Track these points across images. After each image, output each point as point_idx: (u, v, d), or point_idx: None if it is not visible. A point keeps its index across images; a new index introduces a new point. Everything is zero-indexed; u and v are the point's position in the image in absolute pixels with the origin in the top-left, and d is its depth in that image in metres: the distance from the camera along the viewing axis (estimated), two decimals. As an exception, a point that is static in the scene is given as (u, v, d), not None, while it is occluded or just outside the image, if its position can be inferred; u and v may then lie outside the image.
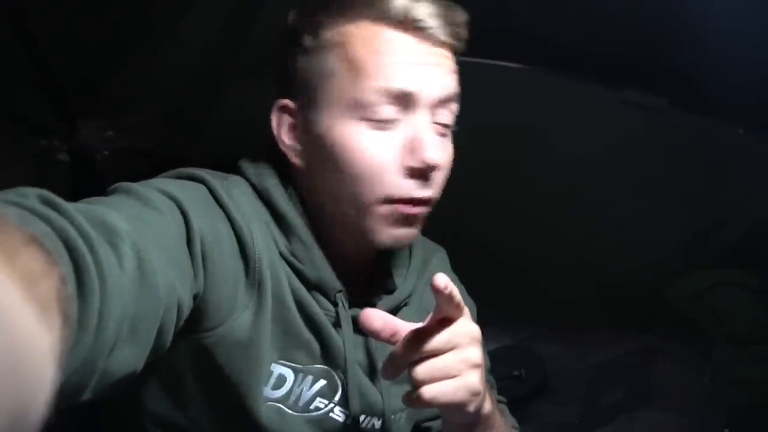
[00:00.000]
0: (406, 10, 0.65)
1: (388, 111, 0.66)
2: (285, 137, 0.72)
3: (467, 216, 1.69)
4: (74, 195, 0.51)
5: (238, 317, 0.66)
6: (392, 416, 0.78)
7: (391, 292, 0.79)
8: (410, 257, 0.83)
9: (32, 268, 0.30)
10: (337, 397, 0.75)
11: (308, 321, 0.71)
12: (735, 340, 1.71)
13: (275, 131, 0.72)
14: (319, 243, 0.72)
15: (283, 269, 0.70)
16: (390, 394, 0.77)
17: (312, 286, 0.71)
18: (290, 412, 0.72)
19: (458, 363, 0.58)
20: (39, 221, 0.38)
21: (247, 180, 0.73)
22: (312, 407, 0.73)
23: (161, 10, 1.10)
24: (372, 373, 0.77)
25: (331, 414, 0.75)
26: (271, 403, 0.70)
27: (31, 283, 0.28)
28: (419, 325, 0.60)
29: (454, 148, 0.80)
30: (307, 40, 0.69)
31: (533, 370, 1.53)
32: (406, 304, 0.80)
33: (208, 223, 0.62)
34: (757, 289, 1.80)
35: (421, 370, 0.58)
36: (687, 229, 1.83)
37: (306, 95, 0.70)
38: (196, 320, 0.62)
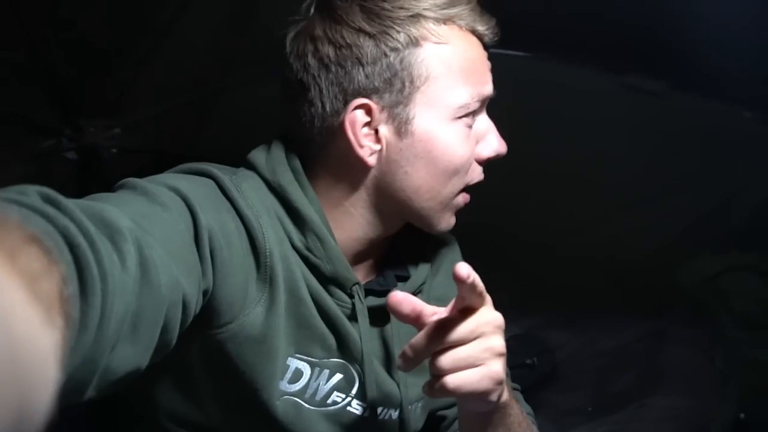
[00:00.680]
0: (473, 19, 0.71)
1: (474, 112, 0.72)
2: (360, 137, 0.69)
3: (473, 204, 1.69)
4: (81, 194, 0.51)
5: (250, 312, 0.65)
6: (409, 407, 0.78)
7: (404, 279, 0.79)
8: (423, 245, 0.83)
9: (33, 267, 0.30)
10: (354, 391, 0.75)
11: (323, 314, 0.71)
12: (746, 324, 1.71)
13: (348, 131, 0.68)
14: (333, 236, 0.72)
15: (297, 263, 0.69)
16: (407, 385, 0.77)
17: (327, 279, 0.71)
18: (307, 406, 0.72)
19: (483, 352, 0.58)
20: (40, 219, 0.37)
21: (259, 174, 0.72)
22: (329, 401, 0.73)
23: (161, 8, 1.10)
24: (388, 364, 0.77)
25: (348, 408, 0.75)
26: (287, 397, 0.70)
27: (32, 282, 0.28)
28: (442, 310, 0.60)
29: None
30: (400, 38, 0.67)
31: (543, 358, 1.53)
32: (419, 292, 0.80)
33: (217, 219, 0.61)
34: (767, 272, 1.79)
35: (446, 359, 0.57)
36: (694, 213, 1.82)
37: (395, 94, 0.68)
38: (207, 317, 0.62)
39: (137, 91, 1.22)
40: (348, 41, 0.67)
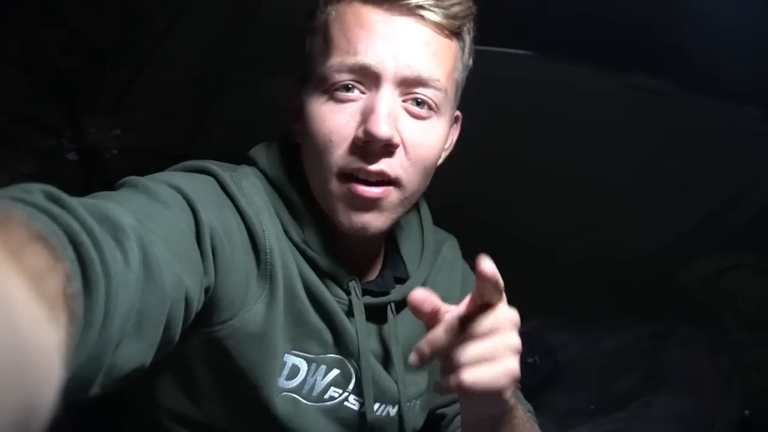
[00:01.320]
0: None
1: (346, 85, 0.65)
2: (293, 120, 0.73)
3: (475, 204, 1.69)
4: (83, 195, 0.51)
5: (250, 309, 0.66)
6: (407, 404, 0.78)
7: (403, 280, 0.79)
8: (422, 246, 0.83)
9: (38, 265, 0.30)
10: (351, 386, 0.75)
11: (320, 310, 0.71)
12: (749, 323, 1.70)
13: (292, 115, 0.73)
14: (331, 231, 0.72)
15: (294, 258, 0.69)
16: (405, 382, 0.77)
17: (324, 274, 0.71)
18: (305, 402, 0.72)
19: (500, 348, 0.57)
20: (44, 217, 0.37)
21: (260, 169, 0.72)
22: (326, 397, 0.73)
23: (162, 7, 1.10)
24: (386, 361, 0.77)
25: (345, 403, 0.75)
26: (285, 393, 0.70)
27: (37, 280, 0.28)
28: (458, 308, 0.59)
29: (461, 136, 0.78)
30: (307, 23, 0.71)
31: (545, 358, 1.52)
32: None
33: (218, 216, 0.61)
34: (770, 271, 1.78)
35: (465, 353, 0.56)
36: (697, 213, 1.82)
37: (303, 76, 0.71)
38: (208, 313, 0.62)
39: (138, 90, 1.22)
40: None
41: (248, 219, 0.65)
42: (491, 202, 1.68)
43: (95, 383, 0.42)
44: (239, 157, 0.75)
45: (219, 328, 0.64)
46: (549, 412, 1.29)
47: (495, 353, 0.56)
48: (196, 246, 0.57)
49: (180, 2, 1.10)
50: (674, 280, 1.83)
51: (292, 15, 0.74)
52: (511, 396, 0.60)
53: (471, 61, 0.74)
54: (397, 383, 0.76)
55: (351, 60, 0.65)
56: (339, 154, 0.66)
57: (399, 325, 0.77)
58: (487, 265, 0.53)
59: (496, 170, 1.64)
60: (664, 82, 1.64)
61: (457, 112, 0.76)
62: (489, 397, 0.59)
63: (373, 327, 0.76)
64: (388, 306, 0.75)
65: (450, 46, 0.68)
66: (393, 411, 0.78)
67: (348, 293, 0.72)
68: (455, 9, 0.66)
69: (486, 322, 0.56)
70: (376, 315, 0.75)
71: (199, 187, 0.63)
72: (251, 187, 0.68)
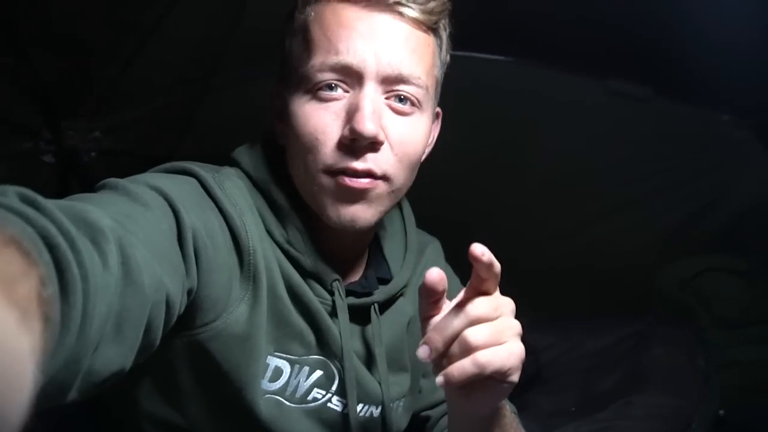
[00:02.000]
0: None
1: (329, 84, 0.65)
2: (276, 122, 0.72)
3: (457, 210, 1.70)
4: (60, 198, 0.50)
5: (233, 311, 0.65)
6: (391, 405, 0.78)
7: (386, 281, 0.79)
8: (406, 247, 0.83)
9: (9, 270, 0.29)
10: (334, 387, 0.74)
11: (303, 310, 0.70)
12: (725, 324, 1.74)
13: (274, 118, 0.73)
14: (315, 231, 0.72)
15: (277, 259, 0.69)
16: (388, 383, 0.77)
17: (308, 274, 0.71)
18: (288, 403, 0.72)
19: (507, 329, 0.57)
20: (18, 220, 0.37)
21: (243, 170, 0.72)
22: (309, 398, 0.73)
23: (147, 7, 1.09)
24: (369, 361, 0.77)
25: (329, 404, 0.74)
26: (269, 396, 0.70)
27: (9, 285, 0.28)
28: (457, 297, 0.59)
29: (441, 135, 0.78)
30: (286, 25, 0.71)
31: (528, 360, 1.52)
32: (401, 294, 0.80)
33: (201, 217, 0.61)
34: (745, 273, 1.83)
35: (476, 334, 0.55)
36: (675, 216, 1.85)
37: (283, 77, 0.71)
38: (191, 316, 0.62)
39: (120, 92, 1.21)
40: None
41: (231, 220, 0.65)
42: (474, 208, 1.69)
43: (73, 388, 0.41)
44: (223, 160, 0.75)
45: (202, 331, 0.64)
46: (532, 413, 1.30)
47: (504, 333, 0.56)
48: (177, 248, 0.57)
49: (165, 4, 1.09)
50: (653, 283, 1.86)
51: (278, 19, 0.74)
52: (514, 384, 0.60)
53: (448, 58, 0.74)
54: (380, 384, 0.76)
55: (333, 59, 0.65)
56: (326, 152, 0.66)
57: (382, 326, 0.77)
58: (477, 248, 0.53)
59: (478, 177, 1.65)
60: (641, 88, 1.68)
61: (438, 109, 0.76)
62: (493, 387, 0.58)
63: (356, 328, 0.75)
64: (372, 307, 0.75)
65: (428, 42, 0.69)
66: (376, 412, 0.78)
67: (332, 294, 0.72)
68: (432, 5, 0.67)
69: (491, 303, 0.57)
70: (360, 316, 0.75)
71: (181, 188, 0.62)
72: (234, 188, 0.68)
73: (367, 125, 0.63)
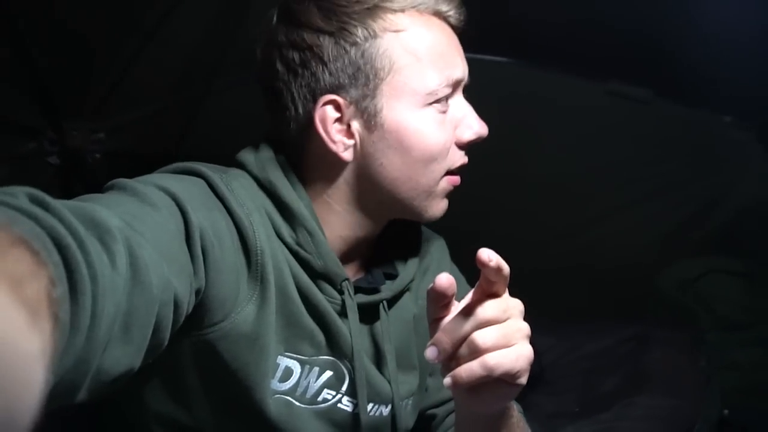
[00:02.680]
0: (434, 2, 0.70)
1: (447, 96, 0.71)
2: (332, 133, 0.70)
3: (457, 208, 1.70)
4: (66, 199, 0.49)
5: (241, 311, 0.65)
6: (400, 403, 0.78)
7: (392, 277, 0.79)
8: (411, 243, 0.83)
9: (19, 270, 0.30)
10: (344, 388, 0.75)
11: (313, 311, 0.71)
12: (726, 326, 1.75)
13: (320, 128, 0.69)
14: (323, 232, 0.72)
15: (287, 260, 0.69)
16: (398, 381, 0.77)
17: (317, 275, 0.71)
18: (298, 404, 0.72)
19: (515, 332, 0.57)
20: (28, 221, 0.37)
21: (249, 172, 0.72)
22: (320, 399, 0.73)
23: (148, 10, 1.09)
24: (378, 360, 0.77)
25: (339, 405, 0.75)
26: (278, 396, 0.70)
27: (18, 285, 0.28)
28: (465, 299, 0.59)
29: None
30: (358, 33, 0.68)
31: (530, 361, 1.53)
32: (407, 290, 0.80)
33: (208, 218, 0.61)
34: (746, 275, 1.83)
35: (485, 336, 0.56)
36: (675, 218, 1.86)
37: (361, 88, 0.69)
38: (199, 316, 0.62)
39: (122, 93, 1.21)
40: (309, 43, 0.68)
41: (239, 220, 0.65)
42: (472, 208, 1.70)
43: (83, 388, 0.41)
44: (225, 162, 0.75)
45: (210, 331, 0.64)
46: (533, 413, 1.30)
47: (513, 336, 0.57)
48: (185, 248, 0.57)
49: (168, 4, 1.09)
50: (653, 284, 1.86)
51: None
52: (522, 386, 0.60)
53: None
54: (389, 382, 0.77)
55: (454, 74, 0.71)
56: (451, 157, 0.73)
57: (391, 323, 0.77)
58: (485, 253, 0.54)
59: (478, 177, 1.65)
60: (641, 89, 1.68)
61: None
62: (501, 389, 0.59)
63: (364, 326, 0.76)
64: (381, 304, 0.76)
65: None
66: (386, 411, 0.78)
67: (341, 293, 0.73)
68: (464, 14, 0.74)
69: (498, 308, 0.57)
70: (368, 313, 0.76)
71: (188, 188, 0.62)
72: (241, 188, 0.68)
73: (485, 126, 0.74)
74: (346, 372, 0.74)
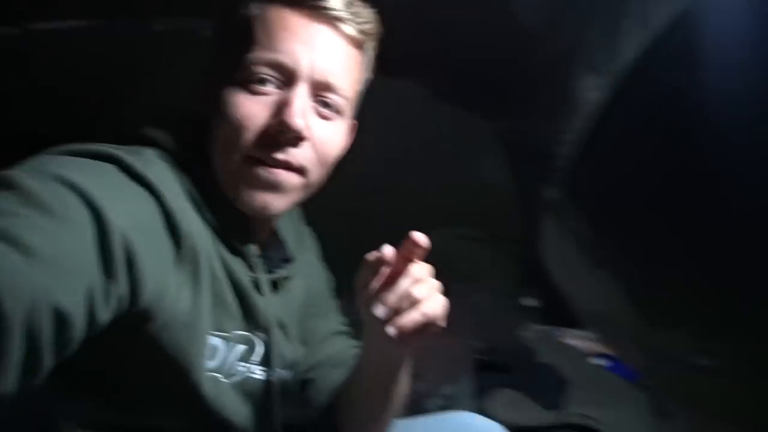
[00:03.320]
0: None
1: (263, 78, 0.70)
2: (204, 104, 0.74)
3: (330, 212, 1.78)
4: None
5: (178, 298, 0.65)
6: (299, 369, 0.87)
7: (285, 259, 0.85)
8: (295, 229, 0.92)
9: None
10: (256, 358, 0.78)
11: (234, 287, 0.74)
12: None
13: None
14: (237, 211, 0.74)
15: (211, 239, 0.70)
16: (297, 348, 0.86)
17: (235, 252, 0.74)
18: (223, 380, 0.74)
19: (435, 287, 0.68)
20: None
21: (164, 150, 0.70)
22: (235, 371, 0.76)
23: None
24: (283, 330, 0.83)
25: (250, 374, 0.78)
26: (209, 373, 0.71)
27: None
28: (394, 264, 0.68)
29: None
30: (224, 19, 0.75)
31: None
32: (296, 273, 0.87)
33: (129, 211, 0.58)
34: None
35: (420, 290, 0.66)
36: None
37: (215, 65, 0.74)
38: (138, 314, 0.60)
39: None
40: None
41: (165, 205, 0.63)
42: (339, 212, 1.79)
43: None
44: (138, 137, 0.71)
45: (151, 325, 0.63)
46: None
47: (434, 290, 0.68)
48: (95, 254, 0.54)
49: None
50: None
51: None
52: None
53: (370, 75, 0.82)
54: (292, 351, 0.84)
55: (271, 56, 0.69)
56: (249, 139, 0.70)
57: (289, 296, 0.85)
58: (416, 236, 0.65)
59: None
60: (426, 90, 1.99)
61: (354, 121, 0.82)
62: (426, 332, 0.67)
63: (274, 300, 0.81)
64: (284, 280, 0.83)
65: (357, 58, 0.75)
66: (290, 377, 0.85)
67: (254, 269, 0.77)
68: (367, 26, 0.75)
69: (424, 270, 0.68)
70: (272, 289, 0.81)
71: (100, 178, 0.58)
72: (161, 171, 0.66)
73: (297, 119, 0.69)
74: (257, 343, 0.78)
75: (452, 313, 0.70)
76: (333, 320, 0.98)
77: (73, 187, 0.53)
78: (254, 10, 0.72)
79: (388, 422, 0.86)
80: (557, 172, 2.12)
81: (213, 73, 0.73)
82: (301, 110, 0.70)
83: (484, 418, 0.96)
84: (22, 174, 0.53)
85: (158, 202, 0.63)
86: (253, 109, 0.70)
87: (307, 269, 0.93)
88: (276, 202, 0.72)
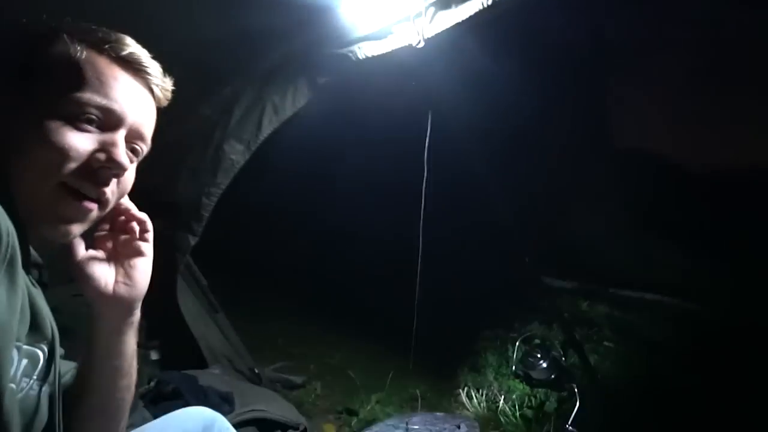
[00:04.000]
0: (133, 58, 0.82)
1: (91, 119, 0.77)
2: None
3: None
4: None
5: None
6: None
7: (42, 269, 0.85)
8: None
9: None
10: (37, 373, 0.77)
11: (30, 297, 0.73)
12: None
13: None
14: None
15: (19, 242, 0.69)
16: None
17: (29, 263, 0.75)
18: (16, 393, 0.73)
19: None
20: None
21: None
22: (19, 388, 0.74)
23: None
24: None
25: (30, 391, 0.77)
26: (10, 384, 0.69)
27: None
28: None
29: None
30: (55, 44, 0.78)
31: None
32: None
33: None
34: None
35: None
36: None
37: (21, 85, 0.76)
38: None
39: None
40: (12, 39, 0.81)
41: None
42: None
43: None
44: None
45: None
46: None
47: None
48: None
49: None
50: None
51: None
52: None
53: None
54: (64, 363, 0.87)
55: (103, 101, 0.77)
56: (70, 168, 0.75)
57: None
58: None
59: None
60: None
61: None
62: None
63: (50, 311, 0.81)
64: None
65: (155, 114, 0.88)
66: (53, 387, 0.83)
67: (40, 280, 0.79)
68: (170, 94, 0.89)
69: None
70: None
71: None
72: None
73: (125, 158, 0.80)
74: (41, 355, 0.78)
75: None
76: None
77: None
78: (80, 52, 0.78)
79: (126, 395, 0.93)
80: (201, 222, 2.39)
81: (23, 101, 0.75)
82: (125, 151, 0.81)
83: (202, 408, 1.16)
84: None
85: None
86: (78, 142, 0.75)
87: None
88: (76, 232, 0.80)
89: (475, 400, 2.60)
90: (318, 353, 3.50)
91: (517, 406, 2.48)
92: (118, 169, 0.79)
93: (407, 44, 1.86)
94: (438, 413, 2.34)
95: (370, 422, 2.42)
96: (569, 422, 2.12)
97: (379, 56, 1.98)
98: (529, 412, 2.43)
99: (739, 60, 2.67)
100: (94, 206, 0.79)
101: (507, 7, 1.64)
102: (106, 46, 0.80)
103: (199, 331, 2.66)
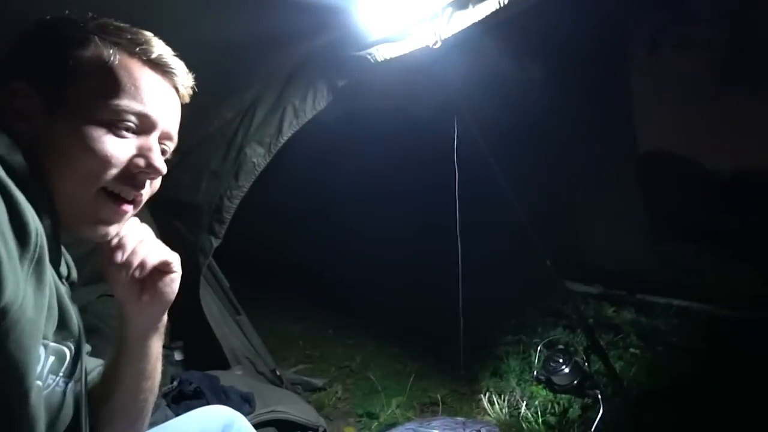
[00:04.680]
0: (162, 60, 0.84)
1: (129, 126, 0.80)
2: (15, 116, 0.76)
3: None
4: None
5: (25, 295, 0.65)
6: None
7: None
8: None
9: None
10: (63, 371, 0.79)
11: (57, 295, 0.74)
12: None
13: (4, 106, 0.75)
14: (58, 225, 0.76)
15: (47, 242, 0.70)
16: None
17: (55, 261, 0.75)
18: (43, 391, 0.74)
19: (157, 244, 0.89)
20: None
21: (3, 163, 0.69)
22: (48, 382, 0.76)
23: None
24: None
25: (56, 388, 0.78)
26: (37, 381, 0.71)
27: None
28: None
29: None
30: (88, 47, 0.79)
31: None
32: None
33: None
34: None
35: (145, 246, 0.87)
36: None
37: (56, 88, 0.77)
38: None
39: None
40: (40, 31, 0.83)
41: (14, 203, 0.64)
42: None
43: None
44: None
45: (2, 323, 0.62)
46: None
47: (154, 246, 0.90)
48: None
49: None
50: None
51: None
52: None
53: None
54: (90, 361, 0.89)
55: (140, 108, 0.80)
56: (112, 174, 0.78)
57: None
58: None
59: None
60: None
61: None
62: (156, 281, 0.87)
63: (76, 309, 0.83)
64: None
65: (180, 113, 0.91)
66: (79, 385, 0.85)
67: (68, 279, 0.82)
68: (191, 90, 0.91)
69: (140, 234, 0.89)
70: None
71: None
72: (3, 175, 0.66)
73: (162, 163, 0.84)
74: (67, 353, 0.79)
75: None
76: None
77: None
78: (113, 57, 0.80)
79: (149, 397, 0.95)
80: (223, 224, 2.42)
81: (57, 103, 0.77)
82: (159, 155, 0.85)
83: (222, 407, 1.19)
84: None
85: (4, 197, 0.64)
86: (119, 149, 0.79)
87: None
88: (113, 232, 0.84)
89: (497, 405, 2.57)
90: (338, 356, 3.50)
91: (539, 413, 2.45)
92: (157, 174, 0.84)
93: (424, 45, 1.86)
94: (459, 418, 2.32)
95: (390, 426, 2.41)
96: (592, 429, 2.08)
97: (396, 58, 1.99)
98: (552, 419, 2.40)
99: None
100: (130, 207, 0.83)
101: (523, 6, 1.63)
102: (137, 49, 0.82)
103: (221, 333, 2.69)
